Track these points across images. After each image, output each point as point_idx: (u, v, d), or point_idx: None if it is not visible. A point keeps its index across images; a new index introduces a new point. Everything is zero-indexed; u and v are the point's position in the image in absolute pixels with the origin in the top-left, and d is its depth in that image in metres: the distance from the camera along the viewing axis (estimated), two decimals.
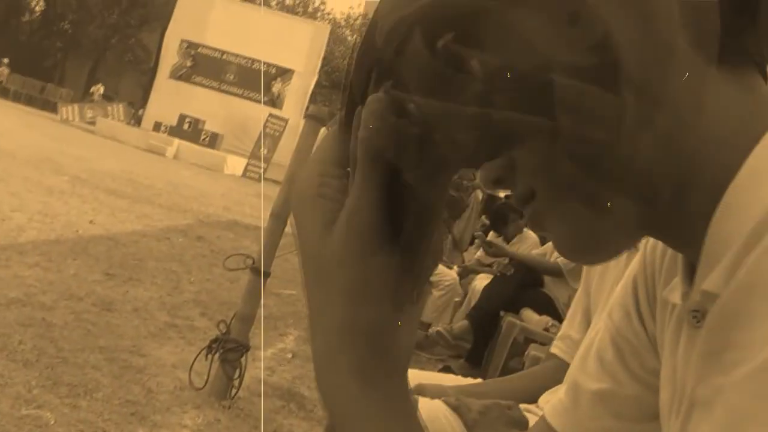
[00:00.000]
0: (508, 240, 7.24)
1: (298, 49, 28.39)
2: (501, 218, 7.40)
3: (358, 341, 0.60)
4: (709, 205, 0.61)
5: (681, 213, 0.63)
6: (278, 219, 3.72)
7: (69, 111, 30.03)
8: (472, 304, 6.39)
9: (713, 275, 0.59)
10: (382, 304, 0.60)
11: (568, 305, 3.32)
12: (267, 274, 4.09)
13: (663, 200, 0.62)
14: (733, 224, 0.59)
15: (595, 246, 0.65)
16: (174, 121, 26.10)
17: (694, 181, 0.62)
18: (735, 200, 0.60)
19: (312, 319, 0.63)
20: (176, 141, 24.52)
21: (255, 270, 4.01)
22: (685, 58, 0.58)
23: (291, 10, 49.32)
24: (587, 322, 2.43)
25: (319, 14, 50.93)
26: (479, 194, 9.17)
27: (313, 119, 3.57)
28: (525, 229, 7.14)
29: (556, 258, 5.82)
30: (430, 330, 6.35)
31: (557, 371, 2.32)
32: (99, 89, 38.30)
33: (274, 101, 28.97)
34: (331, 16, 51.70)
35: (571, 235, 0.65)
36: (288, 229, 3.90)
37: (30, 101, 37.03)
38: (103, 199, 9.77)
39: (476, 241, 7.89)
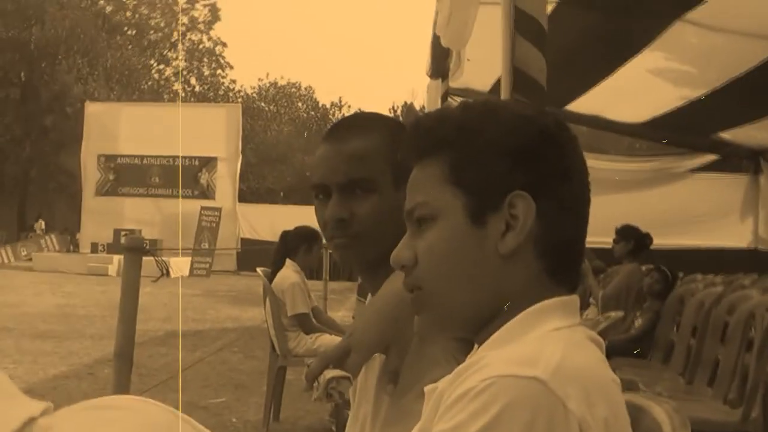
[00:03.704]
0: None
1: (215, 136, 28.40)
2: None
3: None
4: None
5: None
6: (122, 359, 3.43)
7: (2, 254, 29.63)
8: None
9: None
10: None
11: None
12: None
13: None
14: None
15: None
16: (110, 238, 25.80)
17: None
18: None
19: None
20: (116, 257, 24.20)
21: None
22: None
23: (202, 97, 49.43)
24: None
25: (231, 94, 51.01)
26: None
27: (132, 251, 3.45)
28: None
29: None
30: None
31: None
32: (41, 225, 37.97)
33: (205, 192, 28.87)
34: (242, 93, 51.79)
35: None
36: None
37: None
38: (26, 347, 9.57)
39: None
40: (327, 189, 1.63)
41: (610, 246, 7.32)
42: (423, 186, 1.18)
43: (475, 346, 1.19)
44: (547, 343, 1.03)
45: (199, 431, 1.17)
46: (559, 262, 1.14)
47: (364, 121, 1.71)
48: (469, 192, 1.13)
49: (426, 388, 1.17)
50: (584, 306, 7.24)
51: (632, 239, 7.14)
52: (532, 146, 1.14)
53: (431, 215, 1.15)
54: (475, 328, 1.16)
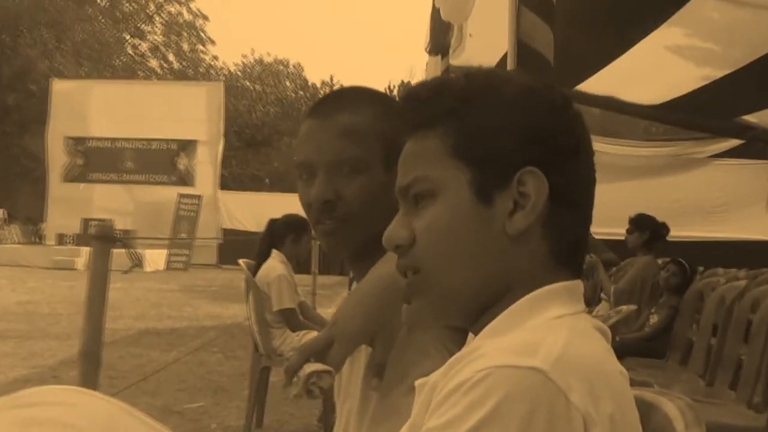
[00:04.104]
0: None
1: (195, 117, 28.38)
2: None
3: None
4: None
5: None
6: (89, 360, 3.45)
7: None
8: None
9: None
10: None
11: None
12: None
13: None
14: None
15: None
16: (78, 229, 25.76)
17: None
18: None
19: None
20: (84, 250, 24.13)
21: None
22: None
23: (181, 74, 49.31)
24: None
25: (212, 71, 50.93)
26: None
27: (101, 240, 3.46)
28: None
29: None
30: None
31: None
32: (1, 214, 37.84)
33: (184, 178, 28.87)
34: (225, 71, 51.71)
35: None
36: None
37: None
38: None
39: None
40: (312, 168, 1.63)
41: (623, 237, 7.33)
42: (421, 160, 1.17)
43: (470, 335, 1.20)
44: (548, 332, 1.03)
45: (145, 423, 1.18)
46: (565, 245, 1.16)
47: (352, 95, 1.70)
48: (474, 167, 1.14)
49: (416, 382, 1.17)
50: (595, 302, 7.26)
51: (647, 229, 7.14)
52: (542, 120, 1.15)
53: (431, 191, 1.15)
54: (473, 315, 1.16)
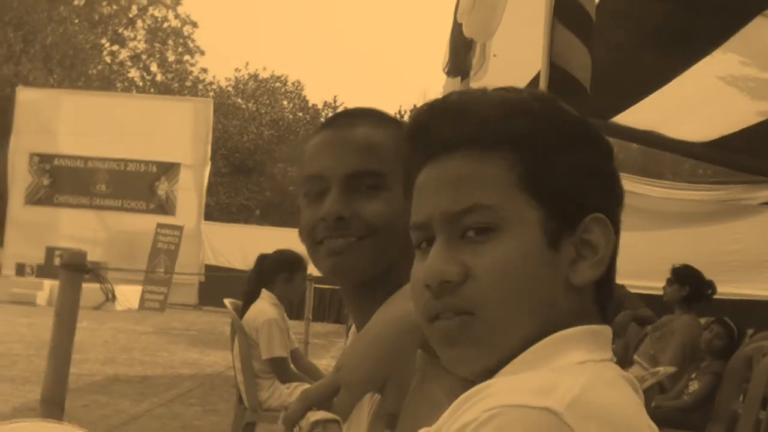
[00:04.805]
0: None
1: (179, 137, 28.35)
2: None
3: None
4: None
5: None
6: (51, 407, 3.44)
7: None
8: None
9: None
10: None
11: None
12: None
13: None
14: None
15: None
16: (41, 258, 25.71)
17: None
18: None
19: None
20: (47, 283, 24.08)
21: None
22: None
23: (164, 88, 49.42)
24: None
25: (201, 86, 51.08)
26: None
27: (71, 269, 3.49)
28: None
29: None
30: None
31: None
32: None
33: (164, 206, 28.85)
34: (215, 86, 51.87)
35: None
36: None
37: None
38: None
39: None
40: (325, 182, 1.63)
41: (660, 292, 7.33)
42: (481, 185, 1.15)
43: None
44: (566, 375, 1.05)
45: None
46: (605, 291, 1.19)
47: (372, 112, 1.73)
48: (547, 206, 1.14)
49: None
50: (627, 363, 7.24)
51: (688, 284, 7.10)
52: (605, 163, 1.19)
53: (495, 224, 1.14)
54: (507, 363, 1.14)
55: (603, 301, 1.20)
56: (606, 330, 1.18)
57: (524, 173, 1.14)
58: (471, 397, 1.06)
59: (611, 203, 1.18)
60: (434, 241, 1.18)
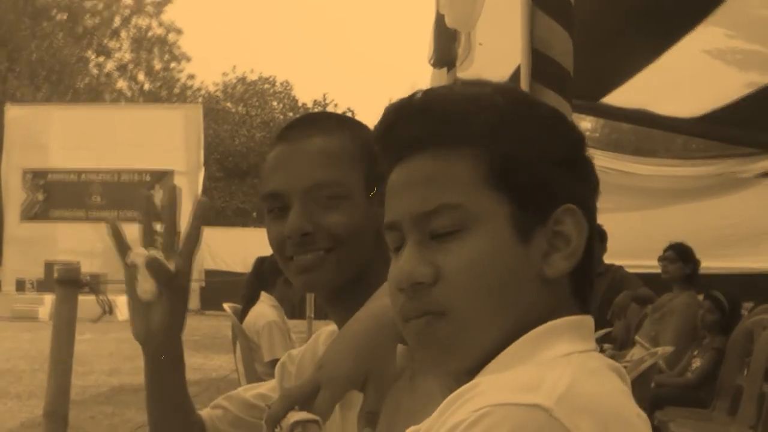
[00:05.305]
0: None
1: (171, 144, 28.33)
2: None
3: None
4: None
5: None
6: (55, 421, 3.46)
7: None
8: None
9: None
10: None
11: None
12: None
13: None
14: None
15: None
16: (40, 273, 25.71)
17: None
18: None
19: None
20: (48, 297, 24.07)
21: None
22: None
23: (153, 96, 49.36)
24: None
25: (189, 92, 51.04)
26: None
27: (66, 285, 3.49)
28: None
29: None
30: None
31: None
32: None
33: (160, 214, 28.77)
34: (203, 92, 51.81)
35: None
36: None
37: None
38: None
39: None
40: (285, 199, 1.65)
41: (658, 270, 7.33)
42: (447, 185, 1.15)
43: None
44: (552, 368, 1.04)
45: None
46: (583, 282, 1.19)
47: (324, 118, 1.76)
48: (517, 201, 1.14)
49: (408, 431, 1.16)
50: (628, 344, 7.24)
51: (692, 261, 7.11)
52: (574, 151, 1.19)
53: (463, 223, 1.13)
54: (487, 361, 1.13)
55: (582, 292, 1.19)
56: (588, 320, 1.18)
57: (492, 168, 1.14)
58: (459, 397, 1.05)
59: (585, 192, 1.18)
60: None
